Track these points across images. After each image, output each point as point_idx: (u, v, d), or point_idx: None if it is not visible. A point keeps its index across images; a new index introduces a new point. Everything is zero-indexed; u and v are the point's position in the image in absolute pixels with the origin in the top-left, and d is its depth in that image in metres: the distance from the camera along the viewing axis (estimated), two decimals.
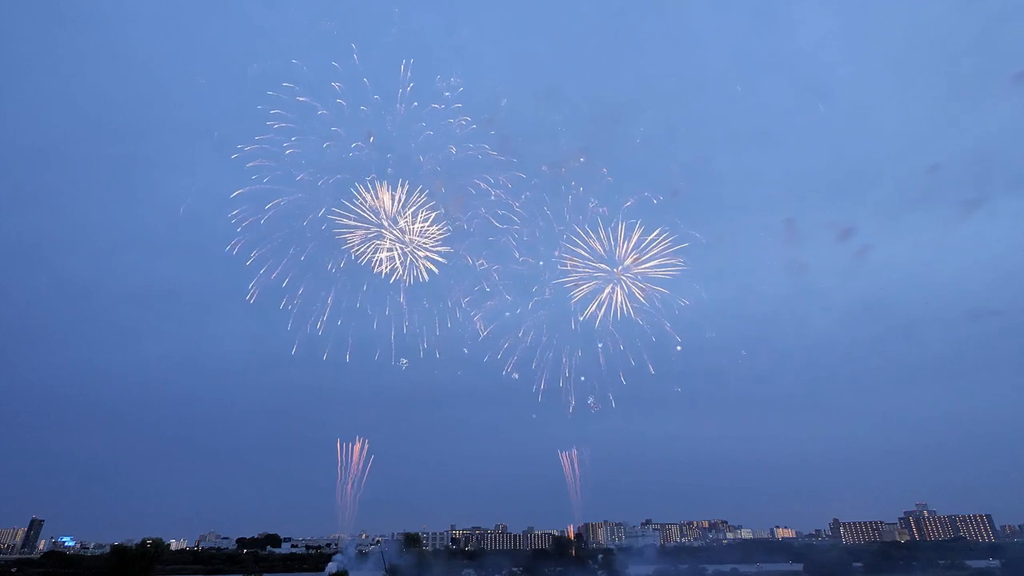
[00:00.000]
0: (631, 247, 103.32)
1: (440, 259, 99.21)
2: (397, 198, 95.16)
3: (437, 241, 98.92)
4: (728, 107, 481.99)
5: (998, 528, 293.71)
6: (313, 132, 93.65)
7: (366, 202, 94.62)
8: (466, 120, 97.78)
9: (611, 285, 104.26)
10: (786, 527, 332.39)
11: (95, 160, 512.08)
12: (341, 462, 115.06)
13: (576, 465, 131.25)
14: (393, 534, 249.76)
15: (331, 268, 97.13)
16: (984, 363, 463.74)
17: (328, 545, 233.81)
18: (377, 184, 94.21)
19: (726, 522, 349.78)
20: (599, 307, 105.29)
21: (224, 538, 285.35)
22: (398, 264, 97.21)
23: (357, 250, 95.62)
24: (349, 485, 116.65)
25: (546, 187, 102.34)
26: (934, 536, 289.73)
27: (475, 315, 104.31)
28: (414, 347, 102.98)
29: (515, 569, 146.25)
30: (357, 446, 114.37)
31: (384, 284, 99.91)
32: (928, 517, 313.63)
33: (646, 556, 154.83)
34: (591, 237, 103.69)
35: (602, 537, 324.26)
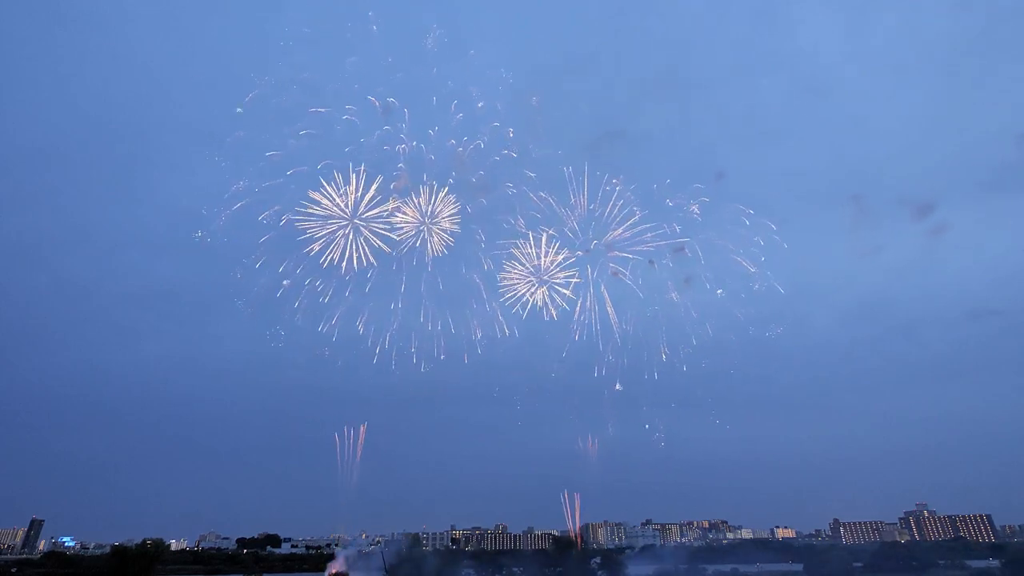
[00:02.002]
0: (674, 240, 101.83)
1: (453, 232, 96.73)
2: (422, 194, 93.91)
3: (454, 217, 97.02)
4: (732, 103, 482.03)
5: (998, 528, 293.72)
6: (322, 127, 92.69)
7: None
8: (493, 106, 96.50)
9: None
10: (786, 527, 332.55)
11: (95, 160, 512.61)
12: (341, 451, 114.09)
13: (573, 465, 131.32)
14: (393, 534, 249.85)
15: (331, 265, 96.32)
16: (984, 363, 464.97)
17: (328, 545, 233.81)
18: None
19: (726, 522, 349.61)
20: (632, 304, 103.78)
21: (224, 538, 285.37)
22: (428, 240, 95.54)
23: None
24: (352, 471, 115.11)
25: (562, 181, 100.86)
26: (934, 536, 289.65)
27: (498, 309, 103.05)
28: (415, 346, 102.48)
29: (516, 569, 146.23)
30: (362, 432, 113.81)
31: (385, 284, 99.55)
32: (928, 517, 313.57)
33: (661, 555, 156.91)
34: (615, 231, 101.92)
35: (602, 537, 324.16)
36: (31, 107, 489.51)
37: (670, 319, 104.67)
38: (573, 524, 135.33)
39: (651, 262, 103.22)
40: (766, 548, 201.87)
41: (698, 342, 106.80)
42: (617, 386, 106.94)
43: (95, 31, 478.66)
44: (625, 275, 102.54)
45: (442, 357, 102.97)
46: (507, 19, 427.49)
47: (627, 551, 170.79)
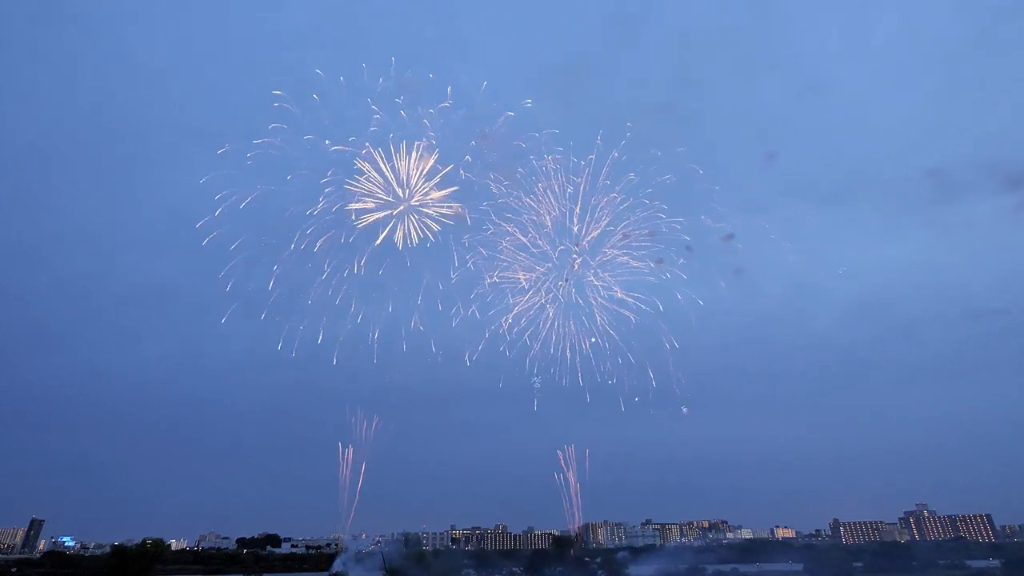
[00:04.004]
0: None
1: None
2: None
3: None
4: (730, 102, 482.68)
5: (998, 528, 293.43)
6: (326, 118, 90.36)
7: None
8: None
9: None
10: (786, 527, 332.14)
11: (95, 160, 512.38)
12: (342, 468, 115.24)
13: (574, 464, 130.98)
14: (393, 534, 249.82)
15: (332, 264, 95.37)
16: (984, 363, 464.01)
17: (328, 545, 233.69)
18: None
19: (726, 522, 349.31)
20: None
21: (224, 538, 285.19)
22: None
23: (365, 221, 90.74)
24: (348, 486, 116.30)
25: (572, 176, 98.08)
26: (934, 536, 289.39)
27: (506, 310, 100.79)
28: (420, 346, 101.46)
29: (515, 569, 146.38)
30: (349, 452, 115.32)
31: (385, 284, 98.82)
32: (928, 517, 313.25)
33: (669, 554, 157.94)
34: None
35: (602, 537, 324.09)
36: (31, 107, 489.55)
37: (680, 315, 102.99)
38: (574, 520, 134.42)
39: (688, 248, 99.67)
40: (767, 548, 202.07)
41: (702, 341, 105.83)
42: (684, 409, 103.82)
43: (95, 31, 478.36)
44: (665, 266, 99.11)
45: (440, 358, 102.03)
46: (507, 20, 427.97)
47: (643, 552, 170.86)
